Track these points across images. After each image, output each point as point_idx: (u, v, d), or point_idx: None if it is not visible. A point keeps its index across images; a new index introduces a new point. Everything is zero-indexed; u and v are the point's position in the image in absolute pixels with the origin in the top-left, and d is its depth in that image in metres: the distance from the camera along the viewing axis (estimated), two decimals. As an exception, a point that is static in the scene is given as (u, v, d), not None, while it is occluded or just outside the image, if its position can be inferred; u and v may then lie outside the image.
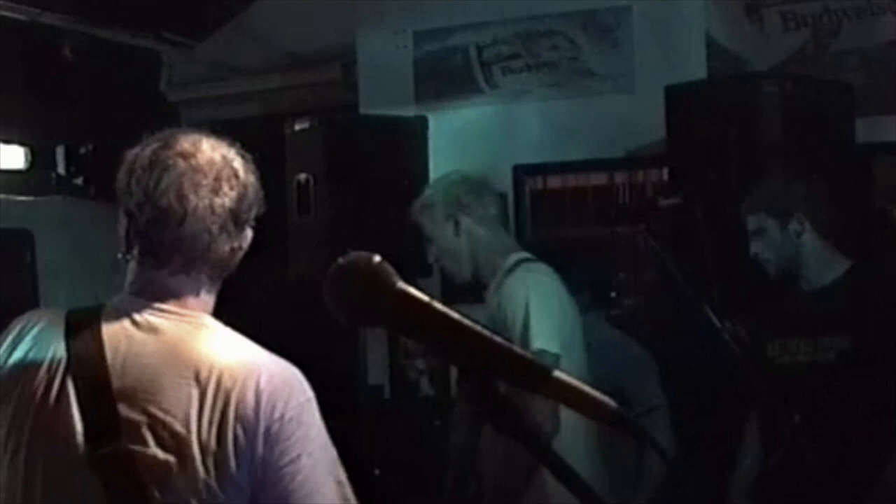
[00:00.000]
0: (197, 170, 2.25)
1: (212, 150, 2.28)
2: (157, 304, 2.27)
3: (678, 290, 4.36)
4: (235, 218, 2.28)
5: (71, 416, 2.18)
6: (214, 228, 2.25)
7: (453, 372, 6.54)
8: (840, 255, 4.37)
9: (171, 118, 7.87)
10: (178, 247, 2.25)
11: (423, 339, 1.70)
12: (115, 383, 2.17)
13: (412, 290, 1.64)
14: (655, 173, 6.44)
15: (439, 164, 6.32)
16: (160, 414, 2.15)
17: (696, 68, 6.09)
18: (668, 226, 5.01)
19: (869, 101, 5.66)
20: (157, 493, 2.13)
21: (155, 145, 2.28)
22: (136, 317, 2.25)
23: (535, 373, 1.66)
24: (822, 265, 4.35)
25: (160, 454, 2.14)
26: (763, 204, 4.38)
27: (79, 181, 7.26)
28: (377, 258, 1.65)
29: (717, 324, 4.29)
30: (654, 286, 6.21)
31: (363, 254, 1.65)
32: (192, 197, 2.23)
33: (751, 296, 4.54)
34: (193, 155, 2.26)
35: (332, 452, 2.27)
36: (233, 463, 2.15)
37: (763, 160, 5.09)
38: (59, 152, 7.24)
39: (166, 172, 2.23)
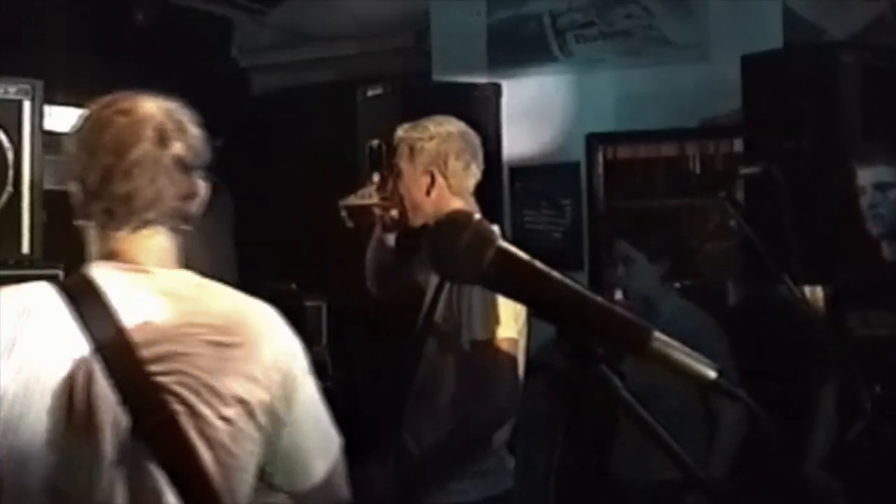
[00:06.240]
0: (136, 123, 2.26)
1: (151, 105, 2.30)
2: (139, 267, 2.26)
3: (757, 259, 4.31)
4: (181, 166, 2.28)
5: (106, 392, 2.12)
6: (161, 178, 2.25)
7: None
8: None
9: (242, 84, 7.90)
10: (130, 200, 2.24)
11: (521, 299, 1.69)
12: (142, 350, 2.15)
13: (514, 249, 1.63)
14: (727, 144, 6.39)
15: (512, 131, 6.30)
16: (195, 371, 2.17)
17: (772, 37, 6.02)
18: (747, 194, 4.96)
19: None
20: (205, 450, 2.15)
21: (95, 107, 2.31)
22: (132, 281, 2.23)
23: (634, 334, 1.65)
24: None
25: (204, 410, 2.15)
26: (883, 157, 4.20)
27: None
28: (478, 215, 1.64)
29: (797, 293, 4.23)
30: (725, 257, 6.16)
31: (465, 210, 1.64)
32: (133, 150, 2.23)
33: (831, 266, 4.47)
34: (132, 110, 2.27)
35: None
36: (258, 409, 2.22)
37: (841, 130, 5.03)
38: (130, 117, 7.26)
39: (106, 130, 2.25)
